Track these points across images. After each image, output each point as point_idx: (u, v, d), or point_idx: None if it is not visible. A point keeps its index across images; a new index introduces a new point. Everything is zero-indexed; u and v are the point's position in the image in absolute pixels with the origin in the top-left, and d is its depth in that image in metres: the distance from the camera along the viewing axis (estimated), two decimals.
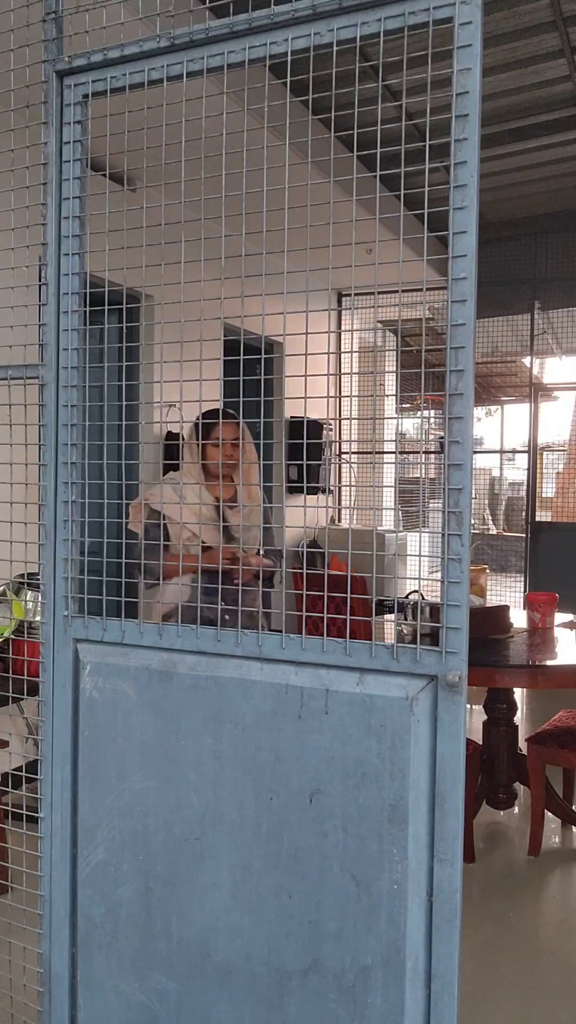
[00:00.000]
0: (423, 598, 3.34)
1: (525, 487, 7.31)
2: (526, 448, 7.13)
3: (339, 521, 7.53)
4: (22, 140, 1.81)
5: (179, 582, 2.53)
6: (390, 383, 5.99)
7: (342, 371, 6.56)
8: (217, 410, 2.67)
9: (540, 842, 3.30)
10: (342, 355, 6.59)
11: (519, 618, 3.82)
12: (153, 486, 2.82)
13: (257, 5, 1.47)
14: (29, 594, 3.00)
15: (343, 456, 7.44)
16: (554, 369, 8.50)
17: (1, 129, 1.88)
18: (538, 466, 7.11)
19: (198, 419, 2.57)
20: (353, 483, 7.58)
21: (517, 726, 3.59)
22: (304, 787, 1.47)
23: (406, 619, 3.40)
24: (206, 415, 2.68)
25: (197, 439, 2.70)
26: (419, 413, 8.66)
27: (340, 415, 6.49)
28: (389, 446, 6.59)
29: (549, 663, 3.17)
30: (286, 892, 1.50)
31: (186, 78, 1.56)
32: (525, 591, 6.72)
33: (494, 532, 10.16)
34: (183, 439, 2.76)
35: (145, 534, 2.62)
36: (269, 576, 2.80)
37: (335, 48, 1.43)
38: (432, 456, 7.28)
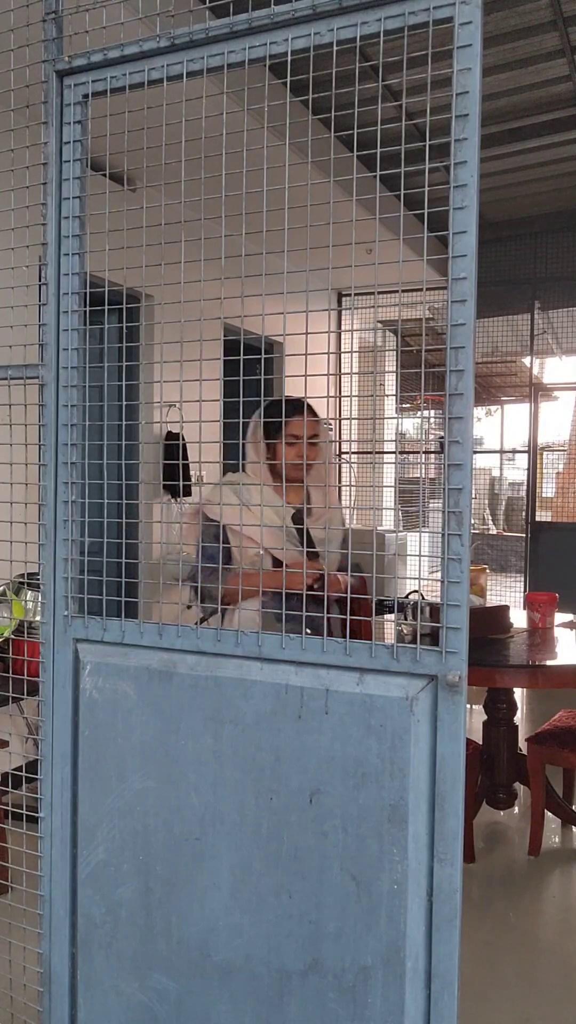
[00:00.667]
0: (423, 598, 3.34)
1: (525, 487, 7.31)
2: (526, 448, 7.13)
3: None
4: (22, 140, 1.81)
5: (251, 606, 2.12)
6: (390, 383, 5.99)
7: (342, 371, 6.56)
8: (290, 401, 2.31)
9: (540, 842, 3.30)
10: (342, 355, 6.58)
11: (519, 618, 3.82)
12: (211, 491, 2.35)
13: (257, 5, 1.47)
14: (29, 594, 3.00)
15: (343, 456, 7.44)
16: (554, 369, 8.51)
17: (1, 129, 1.88)
18: (538, 466, 7.11)
19: (263, 410, 2.26)
20: (353, 483, 7.58)
21: (517, 726, 3.59)
22: (304, 787, 1.47)
23: (406, 619, 3.40)
24: (274, 405, 2.33)
25: (264, 435, 2.31)
26: (419, 413, 8.66)
27: (340, 415, 6.48)
28: (389, 446, 6.59)
29: (549, 663, 3.17)
30: (286, 892, 1.50)
31: (186, 78, 1.56)
32: (525, 591, 6.72)
33: (494, 532, 10.17)
34: (248, 433, 2.34)
35: (202, 551, 2.19)
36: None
37: (335, 48, 1.43)
38: (432, 456, 7.29)
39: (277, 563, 2.24)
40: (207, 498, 2.27)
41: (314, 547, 2.30)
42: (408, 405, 8.68)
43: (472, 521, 1.39)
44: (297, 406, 2.30)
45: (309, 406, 2.30)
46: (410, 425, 10.34)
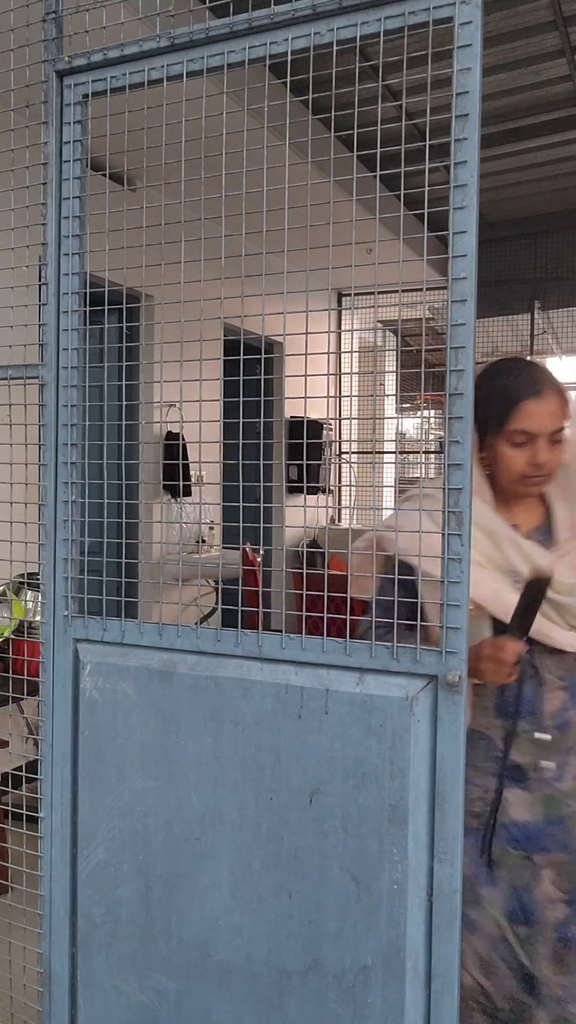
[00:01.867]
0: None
1: None
2: None
3: (339, 521, 7.54)
4: (22, 140, 1.81)
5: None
6: (390, 383, 6.00)
7: (342, 371, 6.57)
8: (520, 369, 1.55)
9: None
10: (342, 355, 6.59)
11: None
12: (393, 515, 1.63)
13: (257, 5, 1.47)
14: (29, 594, 3.01)
15: (343, 456, 7.45)
16: (554, 369, 8.51)
17: (1, 129, 1.88)
18: None
19: (492, 379, 1.54)
20: (353, 483, 7.58)
21: None
22: (304, 787, 1.47)
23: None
24: (497, 377, 1.54)
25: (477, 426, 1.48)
26: (419, 413, 8.66)
27: (340, 415, 6.49)
28: (389, 446, 6.59)
29: None
30: (286, 892, 1.50)
31: (186, 78, 1.56)
32: None
33: None
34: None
35: (380, 593, 1.56)
36: None
37: (335, 48, 1.43)
38: (432, 456, 7.29)
39: (500, 624, 1.53)
40: (387, 524, 1.61)
41: (556, 603, 1.51)
42: (408, 405, 8.68)
43: None
44: (530, 382, 1.49)
45: (553, 382, 1.48)
46: (410, 425, 10.34)
